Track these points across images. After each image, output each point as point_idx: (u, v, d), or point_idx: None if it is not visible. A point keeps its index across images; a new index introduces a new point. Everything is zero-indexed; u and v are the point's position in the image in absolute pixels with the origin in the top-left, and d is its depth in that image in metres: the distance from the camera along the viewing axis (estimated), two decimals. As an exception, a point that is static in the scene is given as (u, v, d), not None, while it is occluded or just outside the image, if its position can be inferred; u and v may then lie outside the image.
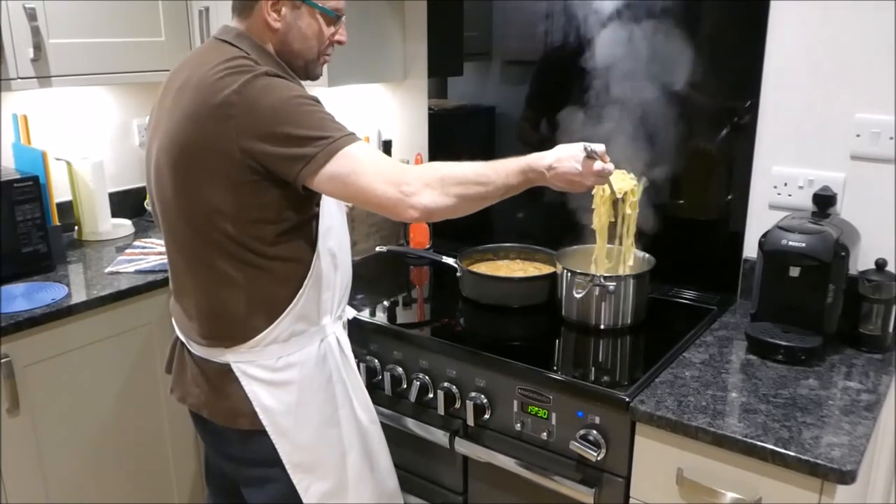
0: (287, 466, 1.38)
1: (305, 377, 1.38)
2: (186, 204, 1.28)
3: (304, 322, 1.37)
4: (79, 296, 1.83)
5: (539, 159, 1.32)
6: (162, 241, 2.18)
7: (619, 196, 1.63)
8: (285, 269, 1.32)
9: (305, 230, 1.33)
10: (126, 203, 2.51)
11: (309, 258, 1.34)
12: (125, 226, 2.37)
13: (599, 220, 1.70)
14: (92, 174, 2.24)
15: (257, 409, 1.35)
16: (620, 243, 1.72)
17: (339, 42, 1.41)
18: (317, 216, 1.34)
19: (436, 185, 1.22)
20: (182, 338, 1.45)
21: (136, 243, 2.25)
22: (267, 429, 1.35)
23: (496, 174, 1.29)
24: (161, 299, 1.99)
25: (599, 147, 1.34)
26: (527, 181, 1.32)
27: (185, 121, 1.23)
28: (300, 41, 1.35)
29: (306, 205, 1.31)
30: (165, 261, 2.05)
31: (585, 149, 1.32)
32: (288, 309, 1.33)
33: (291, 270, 1.33)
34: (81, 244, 2.25)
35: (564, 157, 1.32)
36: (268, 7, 1.30)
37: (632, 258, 1.75)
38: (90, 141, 2.42)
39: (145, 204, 2.55)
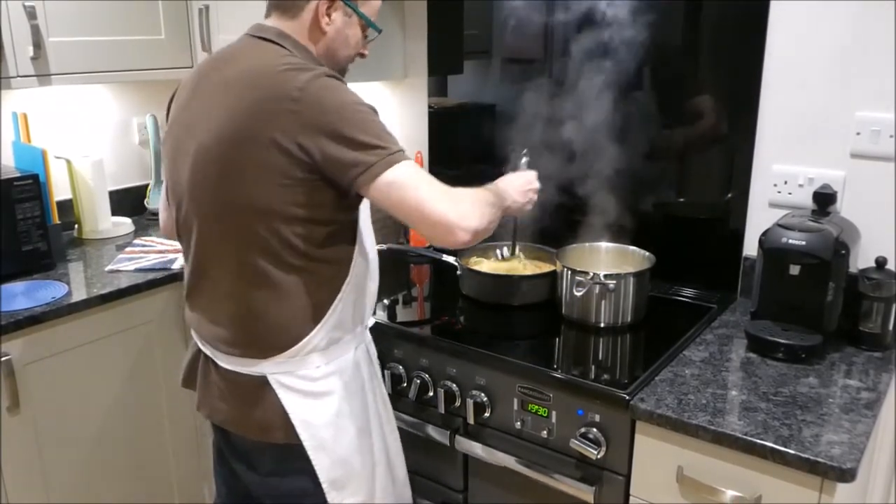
0: (322, 481, 1.33)
1: (344, 387, 1.34)
2: (236, 200, 1.23)
3: (341, 329, 1.33)
4: (79, 294, 1.83)
5: (501, 188, 1.46)
6: (162, 240, 2.21)
7: None
8: (329, 273, 1.29)
9: (349, 233, 1.30)
10: (126, 201, 2.51)
11: (349, 262, 1.31)
12: (125, 224, 2.37)
13: None
14: (92, 172, 2.24)
15: (295, 422, 1.29)
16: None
17: (362, 55, 1.40)
18: (357, 219, 1.32)
19: (477, 208, 1.24)
20: (206, 350, 1.38)
21: (137, 241, 2.25)
22: (304, 443, 1.30)
23: (499, 197, 1.39)
24: (161, 297, 1.99)
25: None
26: (509, 206, 1.46)
27: (240, 115, 1.20)
28: (344, 48, 1.35)
29: (353, 207, 1.29)
30: (166, 259, 2.07)
31: (523, 161, 1.62)
32: (328, 314, 1.30)
33: (335, 274, 1.30)
34: (81, 242, 2.25)
35: (510, 179, 1.52)
36: (323, 9, 1.29)
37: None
38: (90, 139, 2.42)
39: (145, 202, 2.55)
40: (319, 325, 1.29)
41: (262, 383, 1.30)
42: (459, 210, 1.19)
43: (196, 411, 1.43)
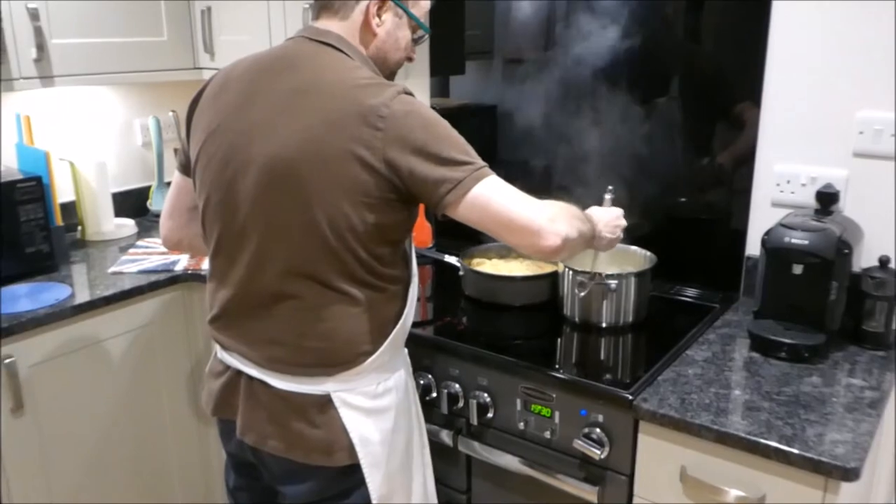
0: (373, 500, 1.29)
1: (400, 402, 1.33)
2: (311, 216, 1.17)
3: (399, 345, 1.33)
4: (82, 296, 1.84)
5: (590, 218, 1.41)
6: (158, 242, 2.21)
7: None
8: (395, 290, 1.28)
9: (407, 251, 1.31)
10: (129, 203, 2.52)
11: (410, 279, 1.31)
12: (128, 226, 2.37)
13: None
14: (95, 174, 2.24)
15: (355, 441, 1.25)
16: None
17: (411, 59, 1.37)
18: (411, 237, 1.32)
19: (566, 216, 1.23)
20: (253, 372, 1.29)
21: (140, 243, 2.26)
22: (361, 461, 1.26)
23: (589, 219, 1.37)
24: (164, 299, 1.99)
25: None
26: (595, 235, 1.41)
27: (321, 127, 1.15)
28: (394, 50, 1.31)
29: (412, 228, 1.29)
30: (168, 260, 2.08)
31: (608, 198, 1.55)
32: (395, 330, 1.28)
33: (399, 291, 1.29)
34: (84, 244, 2.26)
35: (600, 212, 1.47)
36: (374, 9, 1.26)
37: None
38: (93, 141, 2.43)
39: (148, 204, 2.55)
40: (387, 341, 1.28)
41: (325, 402, 1.25)
42: (547, 214, 1.18)
43: (208, 418, 1.40)
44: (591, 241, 1.38)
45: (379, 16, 1.27)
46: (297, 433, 1.26)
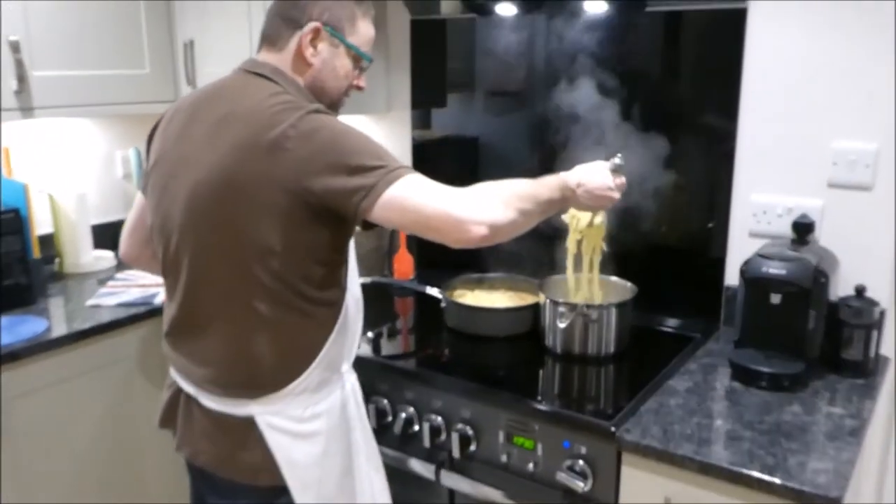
0: None
1: (331, 427, 1.33)
2: (232, 240, 1.20)
3: (331, 369, 1.32)
4: (59, 329, 1.81)
5: (567, 177, 1.36)
6: (144, 274, 2.19)
7: (601, 220, 1.66)
8: (324, 313, 1.28)
9: (341, 273, 1.30)
10: (108, 235, 2.49)
11: (341, 301, 1.31)
12: (107, 258, 2.35)
13: (591, 245, 1.71)
14: (75, 206, 2.23)
15: (281, 464, 1.26)
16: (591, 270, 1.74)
17: (359, 88, 1.39)
18: (347, 259, 1.32)
19: (496, 201, 1.19)
20: (189, 389, 1.33)
21: (119, 275, 2.24)
22: (289, 483, 1.27)
23: (542, 187, 1.31)
24: (143, 332, 1.97)
25: (622, 160, 1.41)
26: (563, 198, 1.35)
27: (236, 153, 1.18)
28: (332, 79, 1.33)
29: (345, 246, 1.28)
30: (148, 293, 2.06)
31: (614, 163, 1.41)
32: (321, 355, 1.28)
33: (328, 314, 1.29)
34: (63, 276, 2.23)
35: (591, 174, 1.38)
36: (307, 41, 1.28)
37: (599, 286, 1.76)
38: (73, 172, 2.41)
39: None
40: (313, 366, 1.28)
41: (250, 424, 1.27)
42: (464, 204, 1.16)
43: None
44: (551, 210, 1.33)
45: (313, 46, 1.29)
46: (226, 452, 1.30)
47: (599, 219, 1.67)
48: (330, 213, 1.19)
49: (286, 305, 1.23)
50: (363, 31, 1.35)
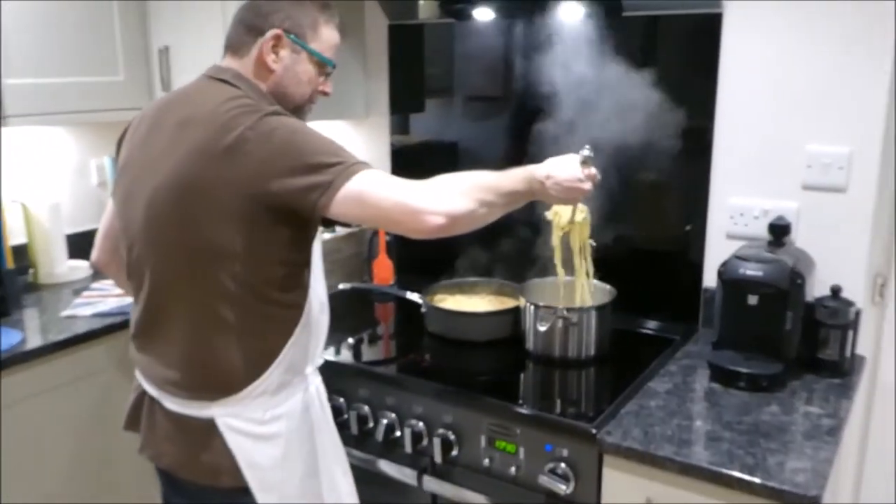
0: None
1: (292, 429, 1.33)
2: (192, 243, 1.21)
3: (292, 372, 1.32)
4: (35, 341, 1.78)
5: (535, 170, 1.34)
6: (113, 283, 2.17)
7: (584, 216, 1.65)
8: (284, 316, 1.28)
9: (303, 275, 1.30)
10: (83, 244, 2.44)
11: (303, 304, 1.30)
12: (82, 268, 2.32)
13: (578, 241, 1.70)
14: (48, 215, 2.20)
15: (242, 466, 1.27)
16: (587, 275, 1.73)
17: (325, 93, 1.39)
18: (310, 260, 1.31)
19: (455, 192, 1.20)
20: (152, 391, 1.34)
21: (94, 285, 2.21)
22: (250, 485, 1.28)
23: (506, 179, 1.30)
24: (120, 342, 1.94)
25: (591, 152, 1.37)
26: (529, 191, 1.33)
27: (194, 157, 1.19)
28: (295, 85, 1.33)
29: (307, 247, 1.28)
30: (125, 303, 2.03)
31: (583, 155, 1.36)
32: (280, 358, 1.28)
33: (289, 317, 1.29)
34: (37, 287, 2.20)
35: (560, 166, 1.34)
36: (268, 47, 1.29)
37: (590, 286, 1.75)
38: (47, 181, 2.38)
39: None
40: (271, 368, 1.28)
41: (210, 426, 1.28)
42: (421, 195, 1.17)
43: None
44: (517, 202, 1.32)
45: (275, 52, 1.30)
46: (187, 454, 1.30)
47: (581, 214, 1.66)
48: (290, 213, 1.19)
49: (248, 308, 1.23)
50: (326, 38, 1.35)
